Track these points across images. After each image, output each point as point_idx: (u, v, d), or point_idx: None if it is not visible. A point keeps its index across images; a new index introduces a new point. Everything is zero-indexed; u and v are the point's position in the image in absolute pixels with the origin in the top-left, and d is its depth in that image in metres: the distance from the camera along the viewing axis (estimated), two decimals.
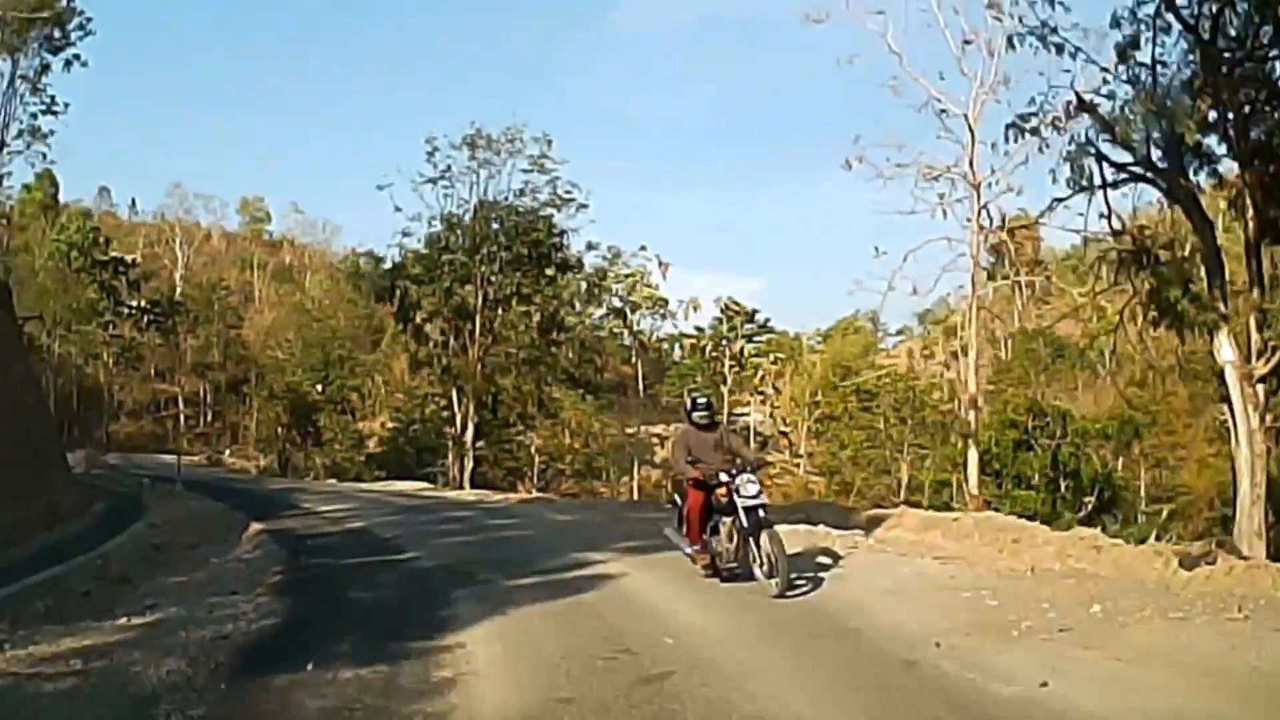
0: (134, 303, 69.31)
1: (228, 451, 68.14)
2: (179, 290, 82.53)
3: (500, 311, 42.94)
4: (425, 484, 40.58)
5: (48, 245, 65.63)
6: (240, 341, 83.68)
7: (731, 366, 68.31)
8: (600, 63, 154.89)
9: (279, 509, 24.92)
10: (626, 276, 67.14)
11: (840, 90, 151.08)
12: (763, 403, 72.84)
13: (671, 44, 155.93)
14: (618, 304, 65.51)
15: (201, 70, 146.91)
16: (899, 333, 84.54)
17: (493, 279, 41.68)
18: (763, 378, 70.89)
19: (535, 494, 40.62)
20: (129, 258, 72.26)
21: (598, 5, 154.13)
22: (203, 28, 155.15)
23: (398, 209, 43.18)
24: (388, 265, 43.48)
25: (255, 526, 19.65)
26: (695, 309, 75.87)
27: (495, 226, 41.59)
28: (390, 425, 60.70)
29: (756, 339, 72.37)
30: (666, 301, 77.56)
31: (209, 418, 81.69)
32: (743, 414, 67.85)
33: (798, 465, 65.34)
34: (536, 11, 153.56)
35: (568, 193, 41.60)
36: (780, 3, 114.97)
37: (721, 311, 71.17)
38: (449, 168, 41.21)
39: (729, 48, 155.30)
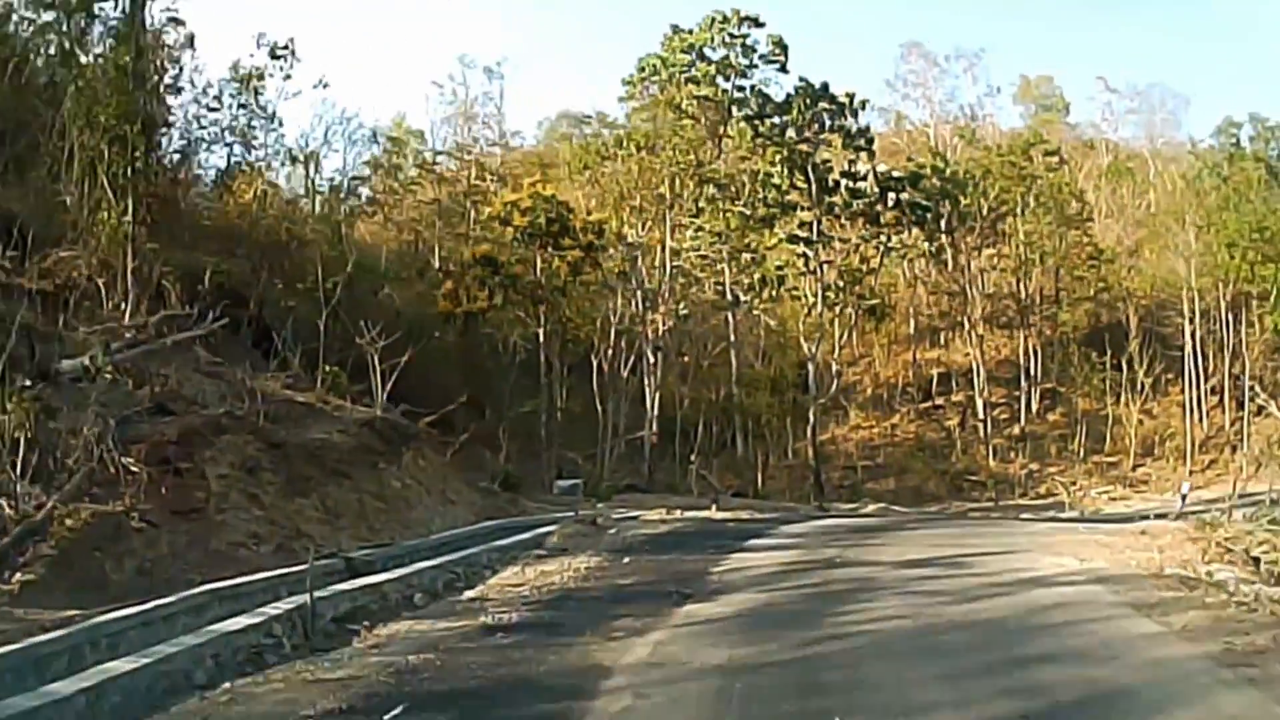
0: (864, 172, 32.95)
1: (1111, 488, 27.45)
2: (952, 171, 43.22)
3: None
4: None
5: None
6: (1086, 251, 42.30)
7: None
8: None
9: None
10: None
11: None
12: None
13: None
14: None
15: None
16: None
17: None
18: None
19: None
20: (844, 95, 35.76)
21: None
22: None
23: None
24: None
25: None
26: None
27: None
28: None
29: None
30: None
31: (1033, 403, 41.86)
32: None
33: None
34: None
35: None
36: None
37: None
38: None
39: None
